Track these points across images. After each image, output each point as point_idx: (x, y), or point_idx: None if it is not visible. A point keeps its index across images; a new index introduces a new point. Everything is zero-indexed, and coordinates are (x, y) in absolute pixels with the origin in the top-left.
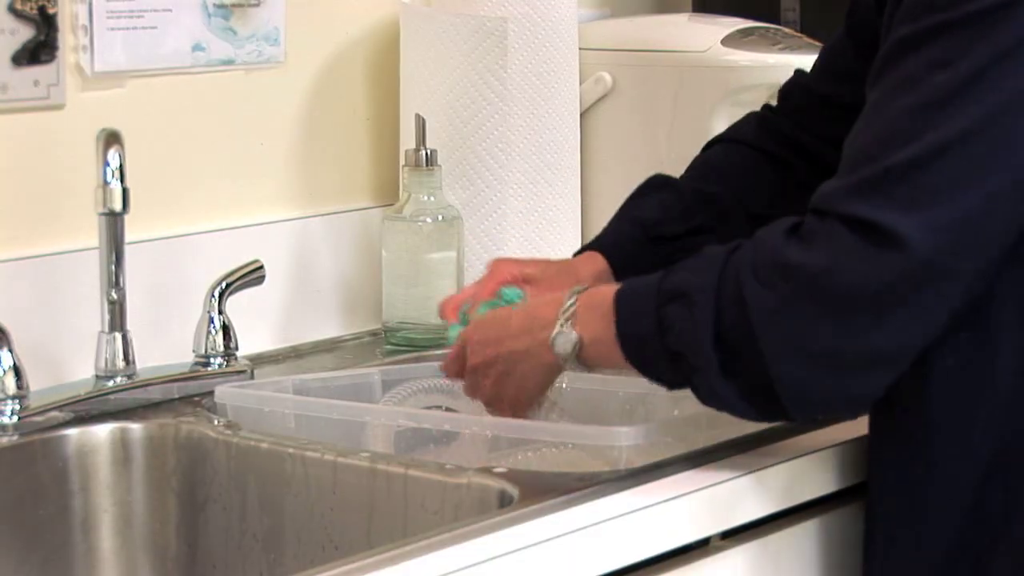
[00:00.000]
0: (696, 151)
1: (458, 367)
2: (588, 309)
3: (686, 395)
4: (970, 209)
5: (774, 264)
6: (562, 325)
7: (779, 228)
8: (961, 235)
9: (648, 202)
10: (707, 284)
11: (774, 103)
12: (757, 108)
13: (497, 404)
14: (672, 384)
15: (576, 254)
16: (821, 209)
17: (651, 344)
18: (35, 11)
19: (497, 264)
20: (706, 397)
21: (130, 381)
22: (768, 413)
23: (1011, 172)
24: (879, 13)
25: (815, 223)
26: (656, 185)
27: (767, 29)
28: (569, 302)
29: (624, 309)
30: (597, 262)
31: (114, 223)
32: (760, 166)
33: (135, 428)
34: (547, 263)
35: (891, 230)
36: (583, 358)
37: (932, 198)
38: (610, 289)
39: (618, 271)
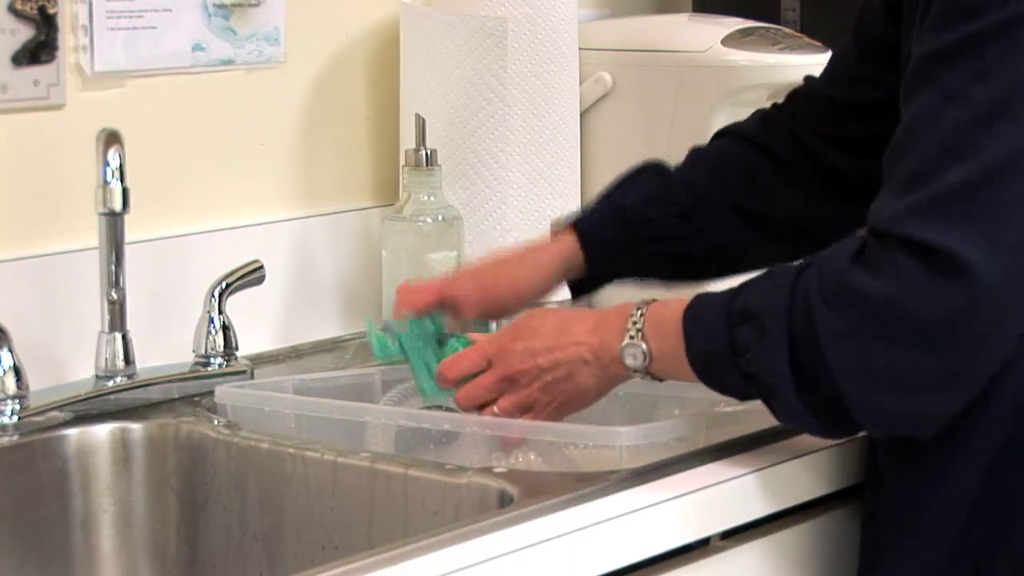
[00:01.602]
0: None
1: (480, 376)
2: (656, 323)
3: (686, 396)
4: None
5: (840, 289)
6: (631, 337)
7: (844, 252)
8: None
9: (633, 188)
10: (777, 307)
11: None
12: (757, 108)
13: (540, 410)
14: (745, 397)
15: (554, 228)
16: (880, 231)
17: (724, 364)
18: (35, 11)
19: (409, 293)
20: (784, 418)
21: (130, 381)
22: (843, 430)
23: None
24: (889, 20)
25: (877, 247)
26: (644, 170)
27: (767, 29)
28: (637, 314)
29: (693, 327)
30: (566, 246)
31: (114, 223)
32: (756, 161)
33: (135, 428)
34: (485, 267)
35: (955, 255)
36: (652, 371)
37: (992, 219)
38: (678, 305)
39: (591, 254)
